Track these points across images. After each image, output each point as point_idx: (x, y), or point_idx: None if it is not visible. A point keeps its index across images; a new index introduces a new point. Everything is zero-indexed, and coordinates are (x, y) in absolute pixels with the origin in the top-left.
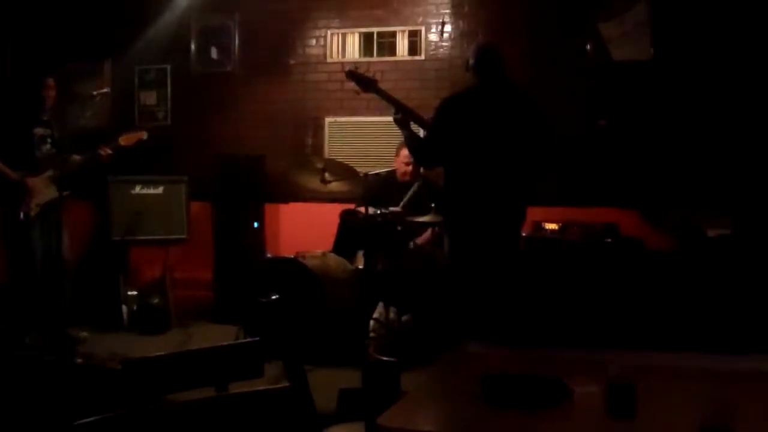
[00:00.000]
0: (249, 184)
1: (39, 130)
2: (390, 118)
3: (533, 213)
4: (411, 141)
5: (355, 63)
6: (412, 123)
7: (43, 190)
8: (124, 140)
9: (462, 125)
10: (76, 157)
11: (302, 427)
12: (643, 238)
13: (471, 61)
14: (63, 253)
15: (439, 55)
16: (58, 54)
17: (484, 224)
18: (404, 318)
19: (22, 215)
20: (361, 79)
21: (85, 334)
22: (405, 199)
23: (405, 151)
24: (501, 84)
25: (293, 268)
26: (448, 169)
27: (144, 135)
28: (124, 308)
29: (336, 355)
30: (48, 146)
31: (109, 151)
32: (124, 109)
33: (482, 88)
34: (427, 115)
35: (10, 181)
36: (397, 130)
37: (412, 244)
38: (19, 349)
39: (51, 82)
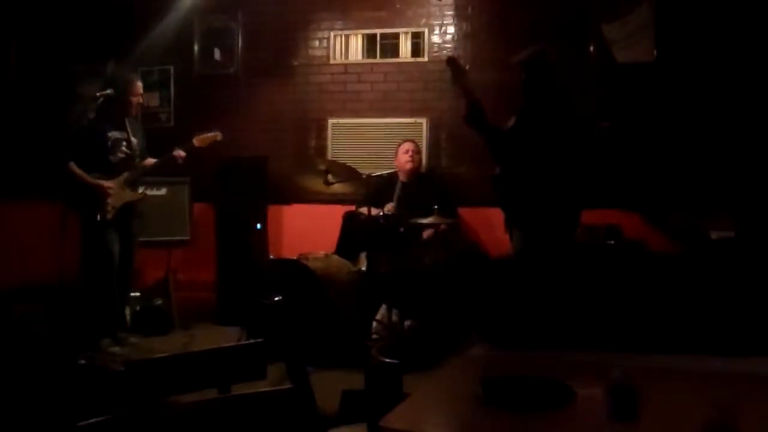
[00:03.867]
0: (252, 185)
1: (115, 134)
2: (391, 120)
3: None
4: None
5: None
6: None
7: (118, 192)
8: (198, 141)
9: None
10: (151, 160)
11: (305, 428)
12: (645, 240)
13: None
14: (133, 256)
15: (443, 57)
16: (62, 55)
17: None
18: (407, 322)
19: (99, 217)
20: (458, 70)
21: (134, 339)
22: (395, 199)
23: (404, 146)
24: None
25: (296, 269)
26: (518, 171)
27: (219, 136)
28: (127, 309)
29: (339, 357)
30: (124, 149)
31: (183, 154)
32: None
33: (547, 98)
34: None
35: (87, 185)
36: (398, 132)
37: (417, 245)
38: (89, 352)
39: (140, 86)
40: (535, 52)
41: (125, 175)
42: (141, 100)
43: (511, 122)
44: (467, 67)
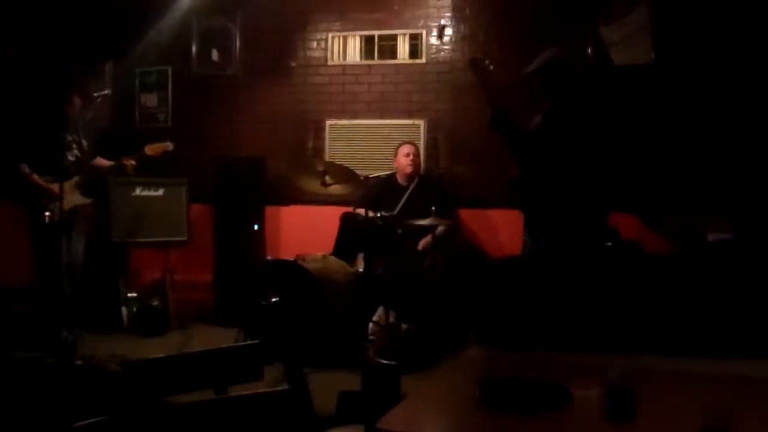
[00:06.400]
0: (249, 186)
1: (68, 136)
2: (389, 121)
3: None
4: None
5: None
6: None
7: (68, 195)
8: (149, 150)
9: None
10: (102, 165)
11: (302, 429)
12: (642, 242)
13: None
14: (82, 257)
15: (440, 59)
16: (59, 55)
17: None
18: (404, 324)
19: (46, 219)
20: (482, 71)
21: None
22: (400, 204)
23: (404, 148)
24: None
25: (293, 270)
26: (544, 173)
27: (170, 146)
28: (124, 310)
29: (336, 358)
30: (75, 152)
31: (134, 162)
32: (125, 111)
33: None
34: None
35: (37, 186)
36: (396, 133)
37: (414, 248)
38: (54, 345)
39: (80, 91)
40: (549, 57)
41: (76, 178)
42: (81, 102)
43: (537, 120)
44: (491, 67)
